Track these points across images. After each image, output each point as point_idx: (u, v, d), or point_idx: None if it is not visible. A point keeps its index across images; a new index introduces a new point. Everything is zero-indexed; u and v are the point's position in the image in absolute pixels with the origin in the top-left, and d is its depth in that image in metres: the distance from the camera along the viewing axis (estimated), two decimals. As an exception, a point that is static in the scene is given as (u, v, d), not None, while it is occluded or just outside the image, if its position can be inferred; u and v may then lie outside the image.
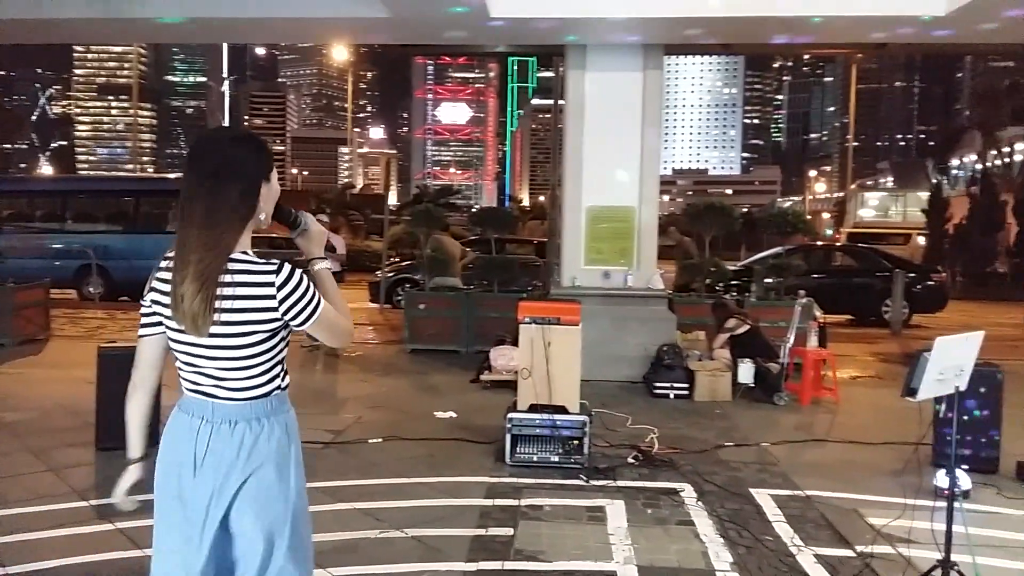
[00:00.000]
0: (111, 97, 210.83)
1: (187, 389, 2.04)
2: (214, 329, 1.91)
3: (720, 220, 10.16)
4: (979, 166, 36.40)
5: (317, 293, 1.99)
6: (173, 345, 2.02)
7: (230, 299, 1.91)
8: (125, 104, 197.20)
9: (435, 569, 3.76)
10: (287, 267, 1.95)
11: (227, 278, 1.91)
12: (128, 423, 2.14)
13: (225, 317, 1.91)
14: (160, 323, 2.03)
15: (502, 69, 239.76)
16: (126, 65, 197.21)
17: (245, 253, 1.96)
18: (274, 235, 19.03)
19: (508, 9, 8.10)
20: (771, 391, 7.71)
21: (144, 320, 2.08)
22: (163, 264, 2.00)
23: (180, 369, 2.04)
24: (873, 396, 8.27)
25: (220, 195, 1.92)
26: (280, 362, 2.06)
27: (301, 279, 1.95)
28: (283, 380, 2.07)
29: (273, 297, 1.93)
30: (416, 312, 10.50)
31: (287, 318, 1.96)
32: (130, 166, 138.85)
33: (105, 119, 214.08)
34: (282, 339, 2.03)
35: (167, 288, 1.95)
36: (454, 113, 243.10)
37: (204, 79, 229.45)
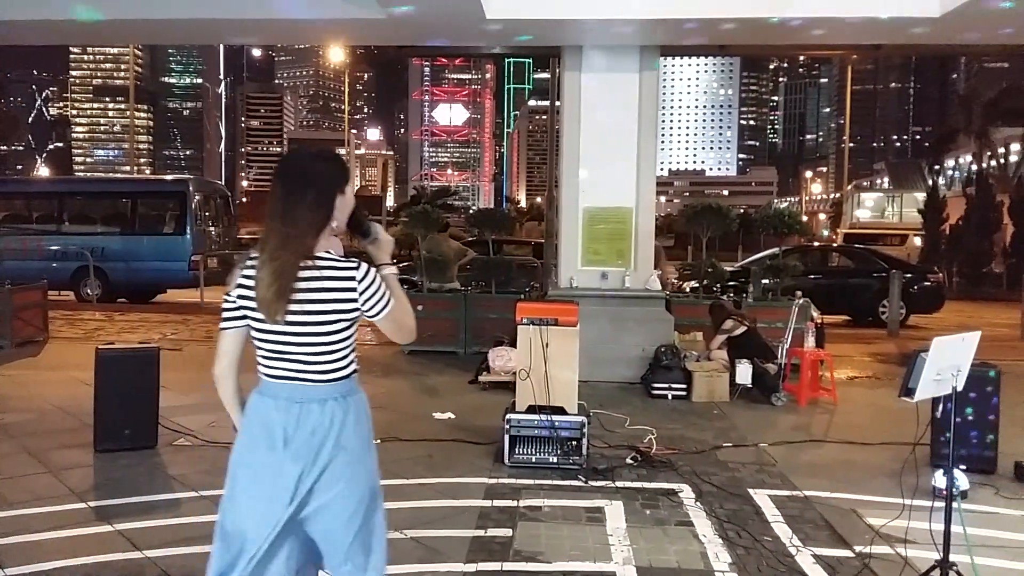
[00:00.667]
0: (107, 98, 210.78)
1: (272, 376, 2.26)
2: (303, 319, 2.19)
3: (717, 221, 10.17)
4: (974, 167, 36.48)
5: (388, 291, 2.28)
6: (259, 336, 2.25)
7: (316, 291, 2.19)
8: (122, 105, 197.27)
9: (434, 570, 3.76)
10: (365, 266, 2.25)
11: (309, 273, 2.18)
12: (227, 406, 2.42)
13: (312, 308, 2.19)
14: (244, 316, 2.27)
15: (498, 71, 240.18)
16: (122, 67, 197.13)
17: (328, 253, 2.24)
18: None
19: (504, 10, 8.11)
20: (769, 392, 7.72)
21: (226, 314, 2.31)
22: (248, 261, 2.26)
23: (264, 358, 2.26)
24: (871, 396, 8.28)
25: (298, 202, 2.21)
26: (354, 348, 2.34)
27: (376, 277, 2.26)
28: (355, 365, 2.35)
29: (354, 290, 2.22)
30: (414, 313, 10.47)
31: (364, 308, 2.25)
32: (127, 167, 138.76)
33: (102, 120, 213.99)
34: (355, 327, 2.30)
35: (252, 283, 2.21)
36: (451, 115, 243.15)
37: (200, 81, 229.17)
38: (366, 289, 2.24)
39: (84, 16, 8.45)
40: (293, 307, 2.17)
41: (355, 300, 2.23)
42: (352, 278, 2.22)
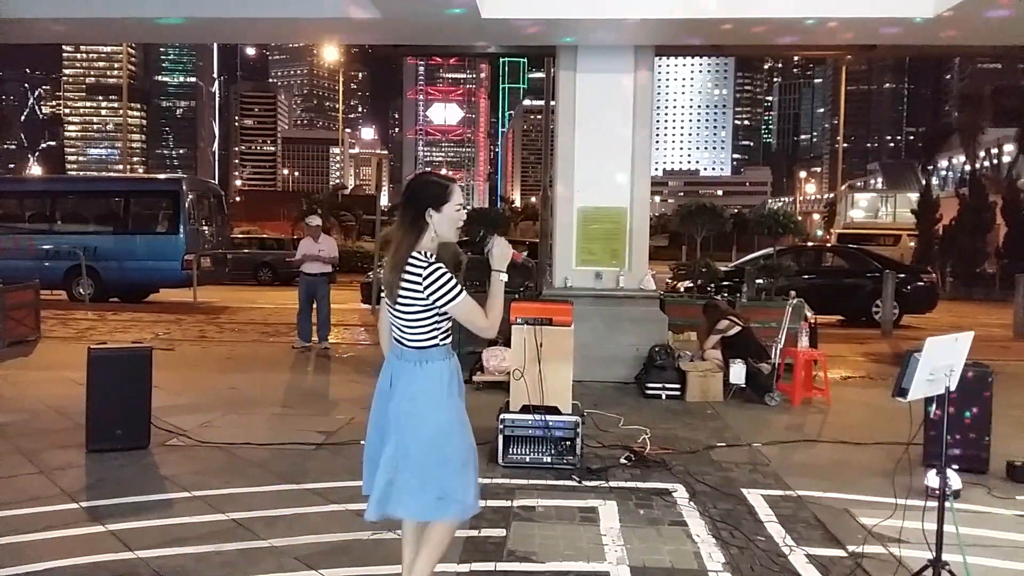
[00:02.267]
0: (100, 97, 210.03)
1: (395, 339, 3.05)
2: (400, 302, 2.92)
3: (711, 221, 10.18)
4: (968, 167, 36.57)
5: (457, 289, 2.88)
6: (388, 310, 3.01)
7: (407, 282, 2.89)
8: (115, 104, 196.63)
9: (428, 570, 3.75)
10: (433, 266, 2.88)
11: (407, 268, 2.89)
12: (384, 347, 3.19)
13: (404, 294, 2.91)
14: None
15: (493, 70, 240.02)
16: (116, 65, 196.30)
17: (421, 254, 2.91)
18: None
19: (499, 10, 8.10)
20: (762, 391, 7.73)
21: (382, 302, 3.10)
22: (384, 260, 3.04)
23: (392, 327, 3.04)
24: (864, 396, 8.30)
25: (403, 215, 2.97)
26: (436, 328, 2.96)
27: (441, 275, 2.87)
28: (441, 340, 2.99)
29: (420, 284, 2.88)
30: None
31: (431, 300, 2.88)
32: (120, 166, 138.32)
33: (95, 119, 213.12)
34: (436, 313, 2.92)
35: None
36: (445, 114, 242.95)
37: (194, 79, 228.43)
38: (429, 285, 2.86)
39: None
40: (399, 292, 2.90)
41: (421, 291, 2.87)
42: (419, 275, 2.87)
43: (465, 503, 3.01)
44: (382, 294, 3.06)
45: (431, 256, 2.93)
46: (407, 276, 2.88)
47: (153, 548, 3.91)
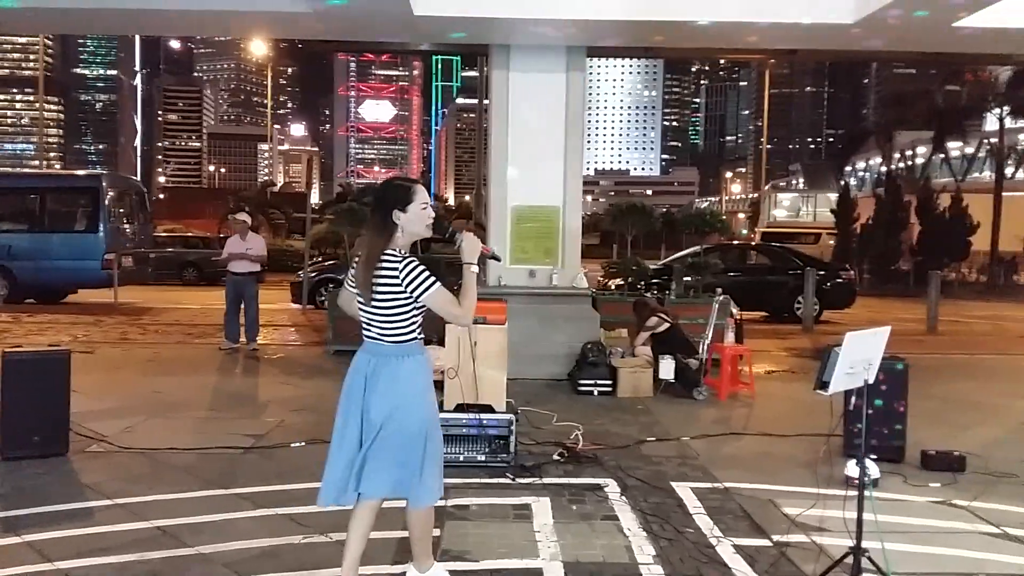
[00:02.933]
0: (15, 90, 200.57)
1: (366, 337, 3.22)
2: (376, 299, 3.09)
3: (641, 220, 10.36)
4: (883, 168, 38.01)
5: (430, 280, 3.05)
6: (360, 308, 3.19)
7: (383, 279, 3.07)
8: (30, 97, 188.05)
9: (361, 573, 3.71)
10: (407, 260, 3.08)
11: (380, 266, 3.07)
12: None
13: (380, 291, 3.08)
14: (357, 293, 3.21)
15: (426, 67, 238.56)
16: (31, 56, 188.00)
17: (393, 251, 3.10)
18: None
19: (432, 7, 8.06)
20: (691, 386, 7.89)
21: (346, 285, 3.33)
22: (355, 258, 3.24)
23: (362, 324, 3.22)
24: (787, 390, 8.56)
25: (372, 217, 3.22)
26: (414, 322, 3.16)
27: (415, 267, 3.06)
28: (419, 334, 3.19)
29: (398, 278, 3.06)
30: (340, 313, 10.30)
31: (409, 290, 3.06)
32: (36, 162, 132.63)
33: (8, 113, 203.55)
34: (414, 308, 3.12)
35: (355, 271, 3.20)
36: (377, 111, 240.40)
37: (115, 72, 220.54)
38: (406, 277, 3.05)
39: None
40: (373, 289, 3.07)
41: (400, 285, 3.06)
42: (397, 269, 3.06)
43: (439, 490, 3.31)
44: (348, 286, 3.28)
45: (404, 252, 3.13)
46: (383, 273, 3.06)
47: (73, 559, 3.77)
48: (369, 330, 3.19)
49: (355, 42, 10.99)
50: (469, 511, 4.54)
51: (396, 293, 3.07)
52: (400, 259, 3.08)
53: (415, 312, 3.14)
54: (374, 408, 3.13)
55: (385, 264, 3.07)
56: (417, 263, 3.08)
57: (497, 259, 3.71)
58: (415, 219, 3.15)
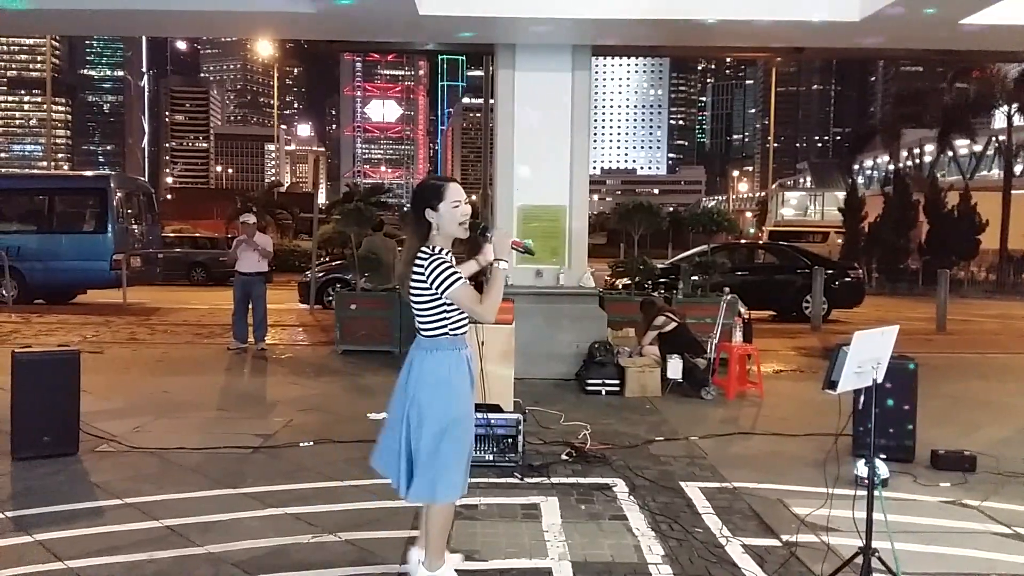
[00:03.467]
0: (23, 91, 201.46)
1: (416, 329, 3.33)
2: (411, 295, 3.23)
3: (648, 219, 10.33)
4: (891, 166, 37.85)
5: (454, 277, 3.13)
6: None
7: (414, 275, 3.18)
8: (38, 99, 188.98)
9: (369, 572, 3.73)
10: (434, 257, 3.16)
11: (414, 263, 3.18)
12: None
13: (413, 287, 3.20)
14: None
15: (431, 67, 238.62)
16: (39, 58, 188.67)
17: (426, 248, 3.20)
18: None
19: (437, 7, 8.07)
20: (698, 386, 7.88)
21: None
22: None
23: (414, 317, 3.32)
24: (795, 389, 8.53)
25: (409, 216, 3.31)
26: (442, 317, 3.23)
27: (440, 264, 3.14)
28: (450, 330, 3.26)
29: (424, 274, 3.15)
30: (347, 313, 10.37)
31: (434, 287, 3.14)
32: (44, 163, 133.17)
33: (17, 114, 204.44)
34: (440, 303, 3.19)
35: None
36: (384, 111, 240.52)
37: (122, 73, 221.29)
38: (431, 274, 3.13)
39: (9, 4, 8.09)
40: (409, 285, 3.20)
41: (426, 281, 3.15)
42: (423, 267, 3.15)
43: (463, 486, 3.36)
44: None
45: (443, 252, 3.22)
46: (415, 270, 3.17)
47: (83, 557, 3.78)
48: (416, 324, 3.32)
49: (360, 42, 11.00)
50: (477, 510, 4.54)
51: (423, 289, 3.17)
52: (428, 256, 3.16)
53: (441, 308, 3.21)
54: (409, 399, 3.27)
55: (418, 261, 3.17)
56: (443, 260, 3.16)
57: (531, 252, 3.57)
58: (448, 217, 3.21)
